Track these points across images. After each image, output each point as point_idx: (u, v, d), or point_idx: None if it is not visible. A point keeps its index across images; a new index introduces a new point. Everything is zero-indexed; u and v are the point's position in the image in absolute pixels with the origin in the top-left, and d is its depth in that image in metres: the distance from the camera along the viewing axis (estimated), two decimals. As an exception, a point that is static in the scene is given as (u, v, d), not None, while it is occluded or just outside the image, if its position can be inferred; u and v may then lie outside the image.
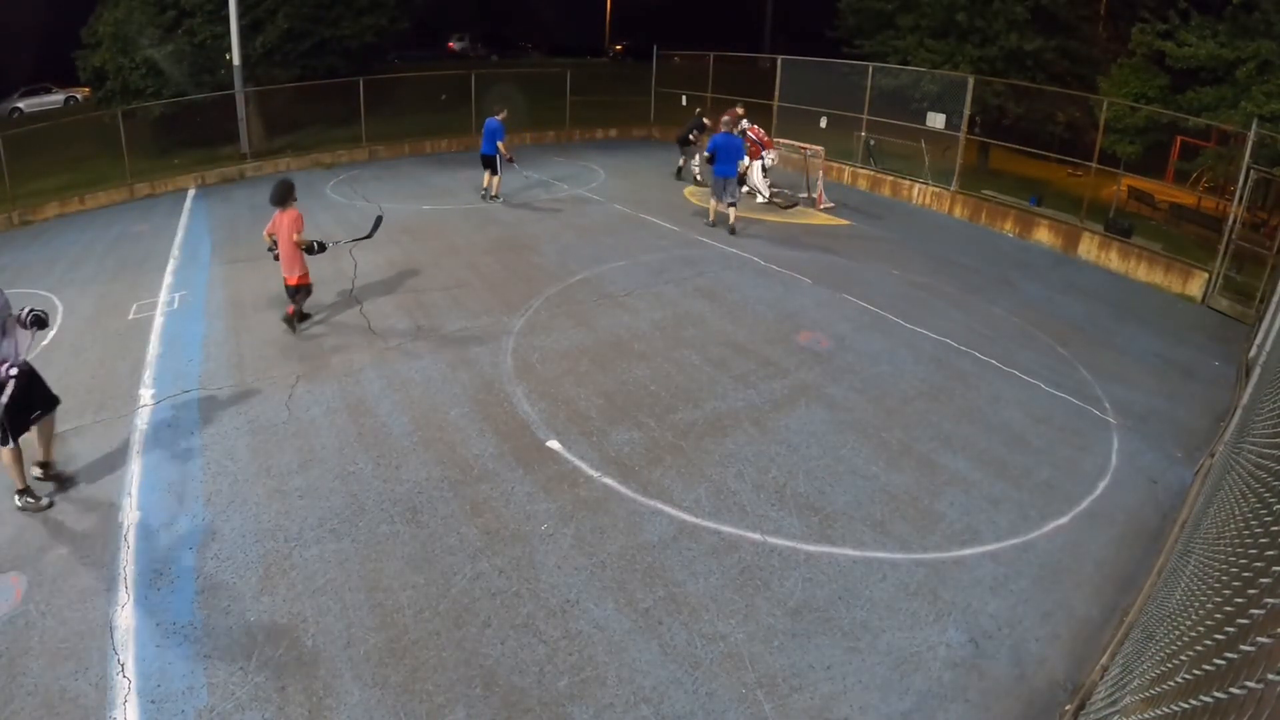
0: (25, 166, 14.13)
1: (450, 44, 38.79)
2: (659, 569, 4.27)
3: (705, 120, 14.50)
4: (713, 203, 11.43)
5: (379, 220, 8.21)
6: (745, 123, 13.53)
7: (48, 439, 4.96)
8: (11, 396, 4.46)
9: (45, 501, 4.75)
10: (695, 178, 14.58)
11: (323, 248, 7.27)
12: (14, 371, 4.49)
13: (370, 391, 6.25)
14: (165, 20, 16.21)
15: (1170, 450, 5.76)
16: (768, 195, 13.02)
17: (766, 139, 13.17)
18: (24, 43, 26.09)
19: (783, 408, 6.07)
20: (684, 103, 19.73)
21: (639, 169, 16.14)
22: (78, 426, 5.72)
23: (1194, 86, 11.80)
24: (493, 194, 12.78)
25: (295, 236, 7.07)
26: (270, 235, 7.23)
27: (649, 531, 4.58)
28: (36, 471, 4.91)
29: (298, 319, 7.45)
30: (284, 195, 7.06)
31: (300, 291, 7.40)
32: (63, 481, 4.98)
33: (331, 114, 18.05)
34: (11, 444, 4.59)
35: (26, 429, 4.74)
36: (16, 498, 4.71)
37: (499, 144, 12.23)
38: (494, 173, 12.68)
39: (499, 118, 12.31)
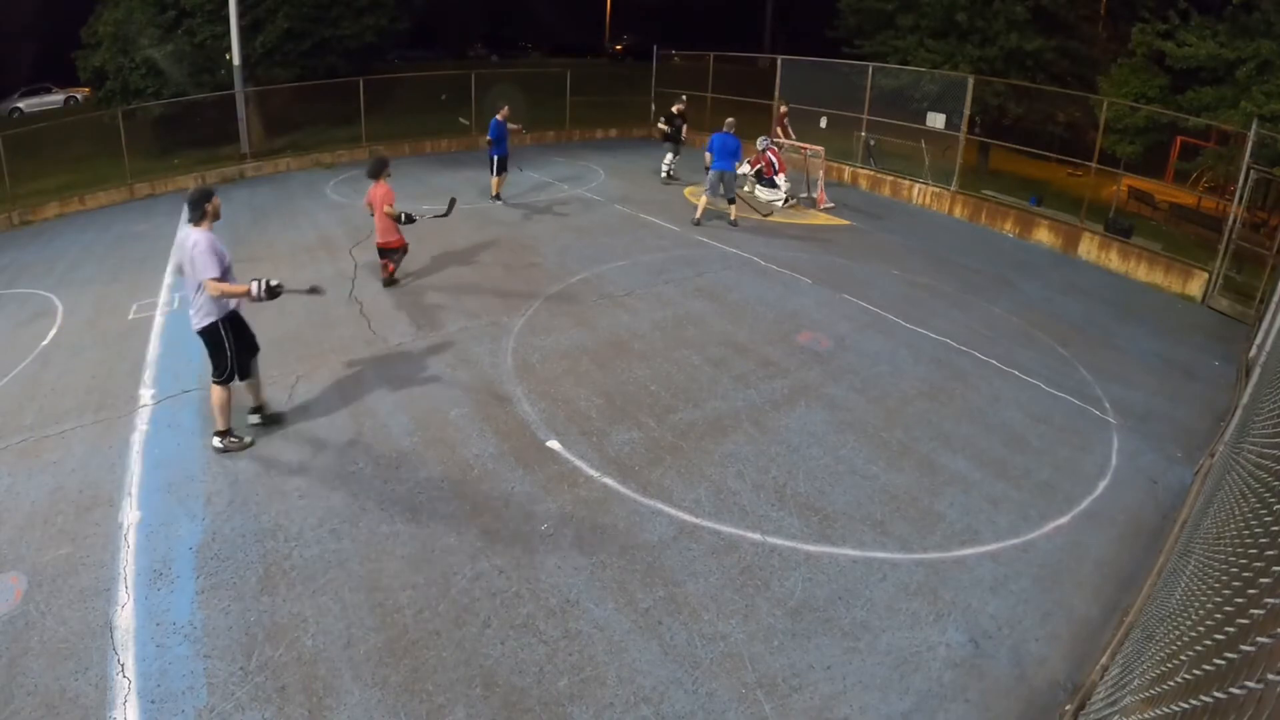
0: (25, 166, 14.14)
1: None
2: (659, 569, 4.27)
3: (675, 109, 14.40)
4: (704, 198, 11.47)
5: (453, 202, 9.44)
6: (765, 141, 13.28)
7: (258, 384, 5.61)
8: (238, 338, 5.23)
9: (249, 440, 5.38)
10: (668, 173, 14.48)
11: (410, 219, 8.26)
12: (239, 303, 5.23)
13: (370, 391, 6.25)
14: (165, 20, 16.21)
15: (1170, 450, 5.76)
16: (780, 202, 12.96)
17: (782, 164, 13.06)
18: (24, 43, 26.11)
19: (783, 408, 6.07)
20: (684, 102, 19.72)
21: (639, 169, 16.13)
22: (77, 426, 5.72)
23: (1194, 86, 11.80)
24: (493, 194, 12.77)
25: (387, 208, 8.07)
26: (369, 204, 8.35)
27: (649, 531, 4.58)
28: (254, 418, 5.58)
29: (393, 279, 8.61)
30: (378, 169, 8.16)
31: (398, 252, 8.59)
32: (279, 421, 5.67)
33: (331, 114, 18.05)
34: (231, 383, 5.27)
35: (246, 375, 5.41)
36: (217, 439, 5.29)
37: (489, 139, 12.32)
38: (494, 172, 12.65)
39: (499, 116, 12.26)
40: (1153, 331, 8.25)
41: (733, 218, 11.44)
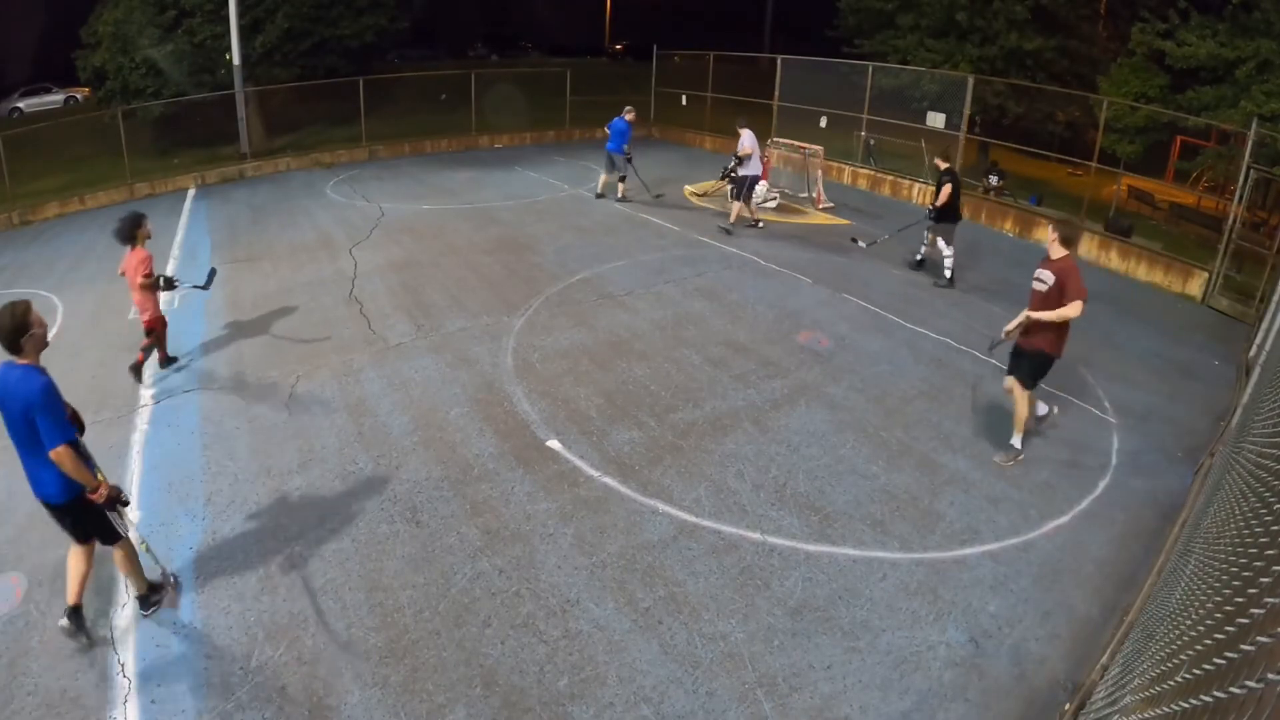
0: (25, 166, 14.15)
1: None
2: (659, 569, 4.27)
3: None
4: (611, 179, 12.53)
5: (213, 273, 7.12)
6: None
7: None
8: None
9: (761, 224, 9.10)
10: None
11: (171, 284, 6.44)
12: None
13: (370, 391, 6.25)
14: (165, 20, 16.22)
15: (1170, 450, 5.76)
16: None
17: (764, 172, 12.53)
18: (24, 43, 26.12)
19: (783, 407, 6.07)
20: (684, 102, 19.73)
21: (638, 168, 16.11)
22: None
23: (1194, 86, 11.79)
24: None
25: (142, 279, 6.18)
26: (123, 274, 6.34)
27: (649, 531, 4.58)
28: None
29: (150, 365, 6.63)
30: (130, 231, 6.15)
31: (153, 332, 6.54)
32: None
33: (331, 114, 18.06)
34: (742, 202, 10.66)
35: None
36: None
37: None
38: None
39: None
40: (1153, 331, 8.25)
41: (620, 194, 12.60)
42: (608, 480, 5.07)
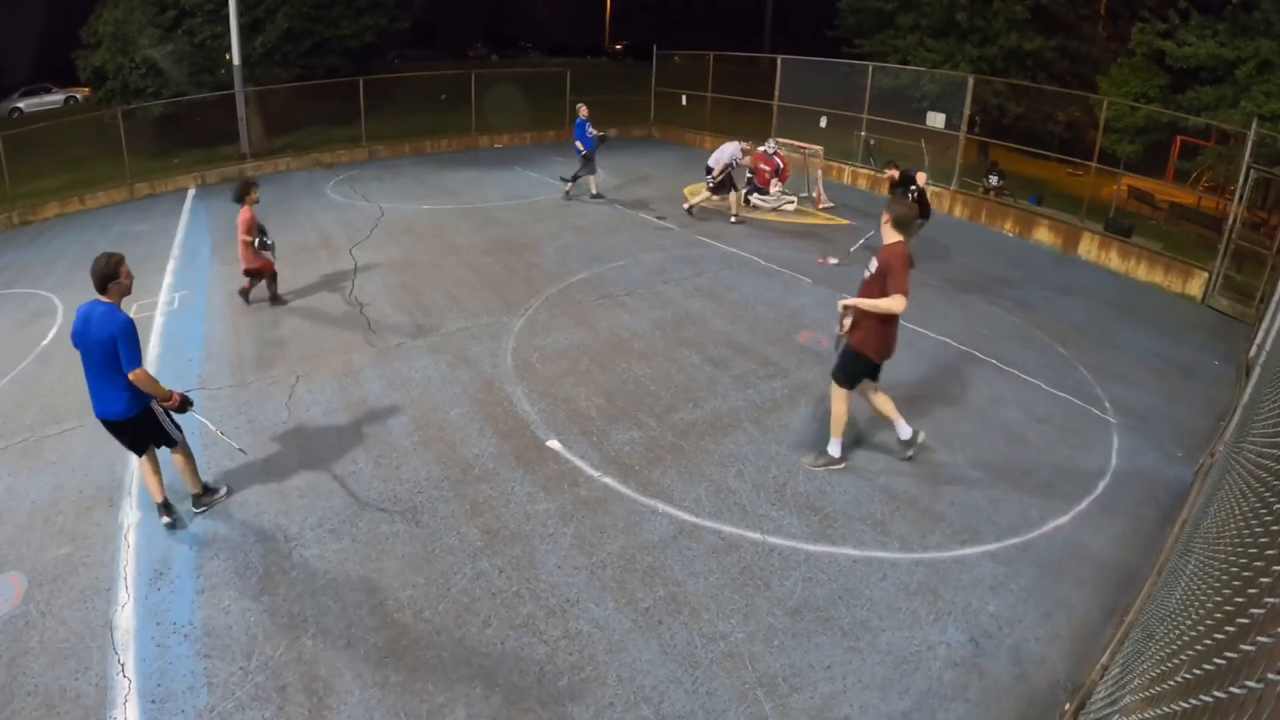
0: (25, 166, 14.15)
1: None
2: (659, 569, 4.27)
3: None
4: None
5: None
6: (772, 145, 12.69)
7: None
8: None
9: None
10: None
11: (264, 244, 7.89)
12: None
13: (370, 391, 6.25)
14: (165, 20, 16.24)
15: (1170, 450, 5.76)
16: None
17: (761, 176, 12.51)
18: (24, 43, 26.13)
19: (783, 407, 6.07)
20: (684, 102, 19.74)
21: (639, 168, 16.13)
22: (78, 426, 5.72)
23: (1194, 86, 11.81)
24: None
25: (245, 236, 7.73)
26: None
27: (649, 531, 4.58)
28: None
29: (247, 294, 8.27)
30: (242, 193, 7.75)
31: (263, 275, 8.18)
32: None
33: (331, 114, 18.07)
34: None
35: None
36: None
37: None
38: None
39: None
40: (1153, 331, 8.25)
41: (568, 192, 12.99)
42: (608, 480, 5.07)
